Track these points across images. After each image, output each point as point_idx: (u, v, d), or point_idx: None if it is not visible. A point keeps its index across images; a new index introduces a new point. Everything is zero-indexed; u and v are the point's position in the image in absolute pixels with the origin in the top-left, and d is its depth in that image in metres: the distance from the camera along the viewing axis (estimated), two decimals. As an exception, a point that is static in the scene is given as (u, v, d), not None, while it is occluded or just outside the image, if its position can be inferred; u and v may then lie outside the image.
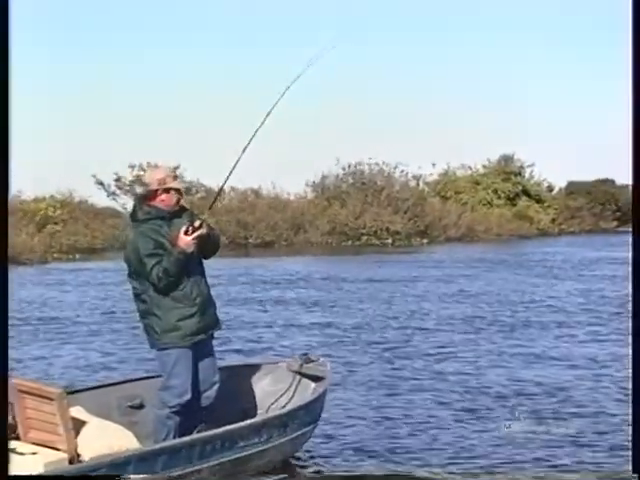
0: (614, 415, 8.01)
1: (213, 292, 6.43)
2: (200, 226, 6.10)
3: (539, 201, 47.10)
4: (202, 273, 6.33)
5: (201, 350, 6.27)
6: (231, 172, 6.23)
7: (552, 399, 8.67)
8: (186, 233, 6.07)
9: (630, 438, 5.28)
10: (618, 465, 6.62)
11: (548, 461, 6.77)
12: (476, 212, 43.10)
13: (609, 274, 21.84)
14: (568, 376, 9.71)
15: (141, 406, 6.68)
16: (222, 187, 7.00)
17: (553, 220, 47.06)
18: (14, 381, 5.79)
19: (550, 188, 49.81)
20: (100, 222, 33.28)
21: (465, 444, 7.19)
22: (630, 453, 5.24)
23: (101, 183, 36.17)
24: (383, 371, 10.05)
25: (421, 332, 12.84)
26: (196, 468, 5.83)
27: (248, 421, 6.31)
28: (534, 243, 37.57)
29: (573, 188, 50.37)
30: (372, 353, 11.16)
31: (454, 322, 13.81)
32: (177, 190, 6.27)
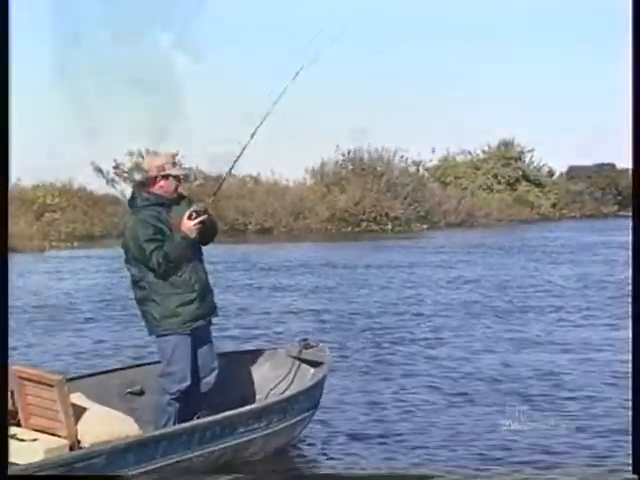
0: (607, 398, 8.04)
1: (211, 279, 6.43)
2: (204, 211, 6.12)
3: (539, 186, 46.98)
4: (200, 259, 6.34)
5: (200, 336, 6.28)
6: (238, 157, 6.28)
7: (545, 382, 8.70)
8: (189, 218, 6.08)
9: (630, 435, 5.27)
10: (608, 449, 6.66)
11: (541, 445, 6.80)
12: (476, 197, 43.01)
13: (609, 258, 21.83)
14: (563, 360, 9.72)
15: (141, 392, 6.70)
16: (229, 172, 6.78)
17: (554, 205, 46.94)
18: (14, 368, 5.81)
19: (551, 173, 49.63)
20: (99, 209, 33.26)
21: (457, 428, 7.21)
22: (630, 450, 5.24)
23: (100, 170, 36.15)
24: (377, 356, 10.07)
25: (418, 318, 12.86)
26: (195, 454, 5.84)
27: (248, 407, 6.32)
28: (534, 228, 37.50)
29: (574, 173, 50.25)
30: (367, 339, 11.17)
31: (451, 307, 13.81)
32: (176, 177, 6.27)
